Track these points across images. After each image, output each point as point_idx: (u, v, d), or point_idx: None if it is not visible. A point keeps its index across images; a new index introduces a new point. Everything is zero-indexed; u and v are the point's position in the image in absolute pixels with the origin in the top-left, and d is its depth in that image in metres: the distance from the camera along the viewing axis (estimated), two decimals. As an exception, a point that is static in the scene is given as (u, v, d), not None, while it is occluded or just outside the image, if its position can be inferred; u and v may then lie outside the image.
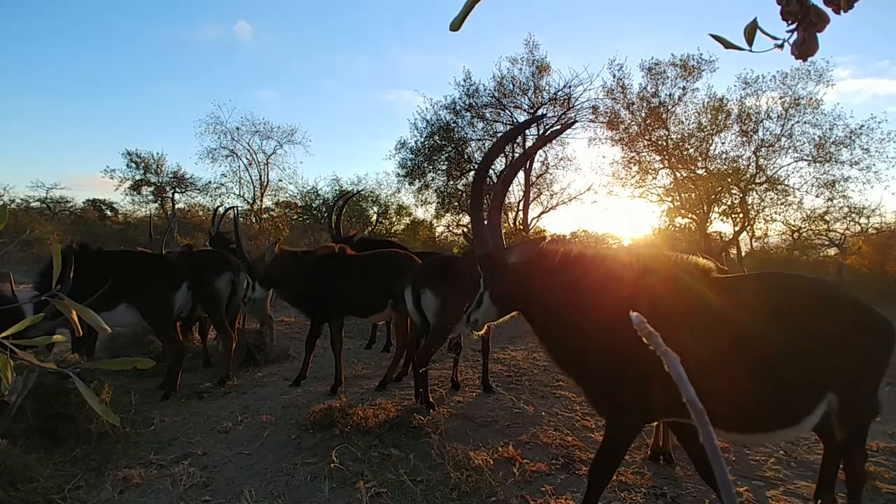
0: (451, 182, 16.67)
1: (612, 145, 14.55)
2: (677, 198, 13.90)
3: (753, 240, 15.24)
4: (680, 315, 2.09)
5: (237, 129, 19.98)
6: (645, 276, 2.20)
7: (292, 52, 41.52)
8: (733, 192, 13.29)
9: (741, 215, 13.36)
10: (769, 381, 2.01)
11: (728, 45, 0.83)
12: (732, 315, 2.07)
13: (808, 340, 2.01)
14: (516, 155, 16.13)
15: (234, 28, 37.79)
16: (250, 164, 20.46)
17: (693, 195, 13.46)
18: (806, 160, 12.64)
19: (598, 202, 16.51)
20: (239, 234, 4.80)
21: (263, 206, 20.60)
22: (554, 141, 16.16)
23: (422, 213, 18.25)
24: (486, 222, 2.34)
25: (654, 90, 13.35)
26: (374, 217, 18.75)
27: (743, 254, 14.09)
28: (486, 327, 2.44)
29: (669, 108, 13.35)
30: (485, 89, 15.50)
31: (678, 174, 13.74)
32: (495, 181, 16.81)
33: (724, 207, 13.65)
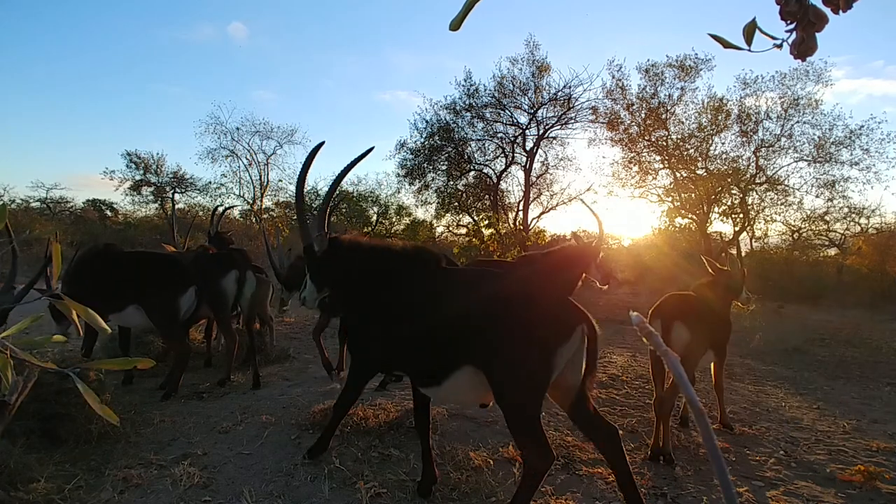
0: (451, 182, 16.66)
1: (612, 146, 14.58)
2: (677, 198, 13.90)
3: (753, 240, 15.26)
4: (403, 292, 2.66)
5: (237, 129, 19.97)
6: (392, 259, 2.79)
7: (288, 52, 41.65)
8: (733, 192, 13.30)
9: (741, 215, 13.37)
10: (428, 347, 2.48)
11: (727, 44, 0.83)
12: (426, 294, 2.60)
13: (460, 317, 2.36)
14: (516, 156, 16.15)
15: (228, 29, 37.84)
16: (250, 165, 20.45)
17: (693, 195, 13.47)
18: (806, 160, 12.66)
19: (598, 202, 16.47)
20: (268, 244, 5.40)
21: (263, 206, 20.62)
22: (554, 141, 16.18)
23: (422, 214, 18.22)
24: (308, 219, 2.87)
25: (652, 91, 13.36)
26: (374, 217, 18.75)
27: (743, 254, 14.12)
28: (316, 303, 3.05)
29: (669, 108, 13.35)
30: (485, 89, 15.49)
31: (678, 174, 13.74)
32: (494, 181, 16.81)
33: (724, 207, 13.67)
